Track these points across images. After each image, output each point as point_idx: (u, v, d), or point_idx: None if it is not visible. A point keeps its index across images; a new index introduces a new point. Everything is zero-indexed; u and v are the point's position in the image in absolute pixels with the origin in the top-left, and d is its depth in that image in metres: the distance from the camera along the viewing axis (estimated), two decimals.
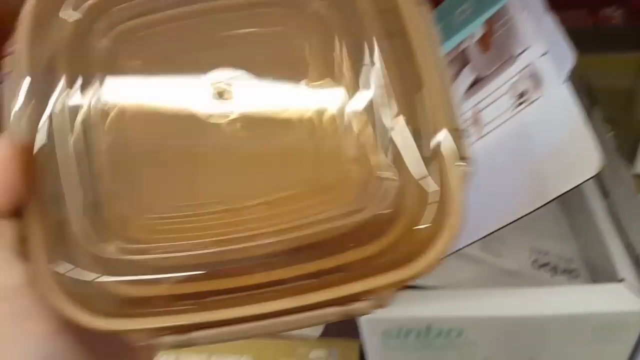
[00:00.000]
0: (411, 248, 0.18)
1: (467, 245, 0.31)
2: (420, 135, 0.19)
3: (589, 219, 0.42)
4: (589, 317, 0.34)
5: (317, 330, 0.46)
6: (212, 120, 0.20)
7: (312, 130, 0.20)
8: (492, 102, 0.37)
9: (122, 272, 0.19)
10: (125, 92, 0.21)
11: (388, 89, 0.20)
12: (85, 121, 0.20)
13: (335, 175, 0.20)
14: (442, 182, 0.18)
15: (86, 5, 0.21)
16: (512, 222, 0.30)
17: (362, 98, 0.20)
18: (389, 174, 0.19)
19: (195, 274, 0.19)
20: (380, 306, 0.18)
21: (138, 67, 0.21)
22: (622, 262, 0.37)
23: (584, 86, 0.43)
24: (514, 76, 0.37)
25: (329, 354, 0.44)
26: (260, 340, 0.45)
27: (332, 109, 0.20)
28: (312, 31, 0.21)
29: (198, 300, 0.18)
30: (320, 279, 0.18)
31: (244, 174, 0.20)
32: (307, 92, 0.21)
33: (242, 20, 0.22)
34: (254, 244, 0.19)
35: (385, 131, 0.19)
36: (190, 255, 0.19)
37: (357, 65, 0.20)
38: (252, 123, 0.21)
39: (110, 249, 0.19)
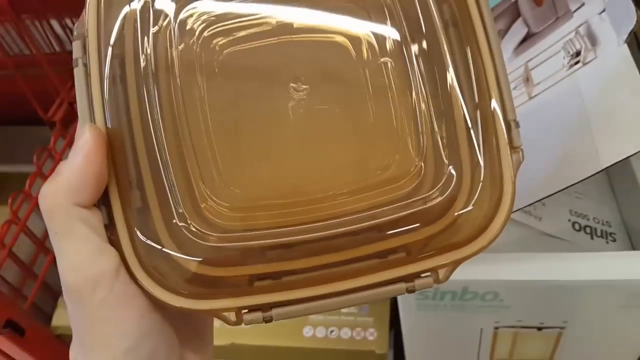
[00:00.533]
0: (468, 229, 0.20)
1: (515, 211, 0.31)
2: (478, 124, 0.20)
3: (631, 182, 0.41)
4: (626, 284, 0.34)
5: None
6: (289, 110, 0.20)
7: (383, 124, 0.21)
8: (544, 61, 0.35)
9: (203, 254, 0.19)
10: (202, 79, 0.21)
11: (450, 77, 0.20)
12: (160, 108, 0.20)
13: (402, 165, 0.20)
14: (497, 169, 0.20)
15: None
16: (563, 189, 0.29)
17: (427, 87, 0.21)
18: (450, 164, 0.20)
19: (272, 256, 0.20)
20: (440, 281, 0.20)
21: (217, 53, 0.21)
22: None
23: (636, 44, 0.41)
24: (568, 34, 0.35)
25: (359, 309, 0.45)
26: None
27: (398, 101, 0.21)
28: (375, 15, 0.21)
29: (275, 279, 0.20)
30: (386, 259, 0.20)
31: (315, 161, 0.21)
32: (376, 80, 0.21)
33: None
34: (325, 232, 0.20)
35: (448, 121, 0.20)
36: (263, 240, 0.20)
37: (421, 51, 0.21)
38: (324, 114, 0.21)
39: (191, 232, 0.20)
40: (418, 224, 0.20)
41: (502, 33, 0.39)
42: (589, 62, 0.32)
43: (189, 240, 0.19)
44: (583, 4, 0.35)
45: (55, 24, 0.57)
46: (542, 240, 0.39)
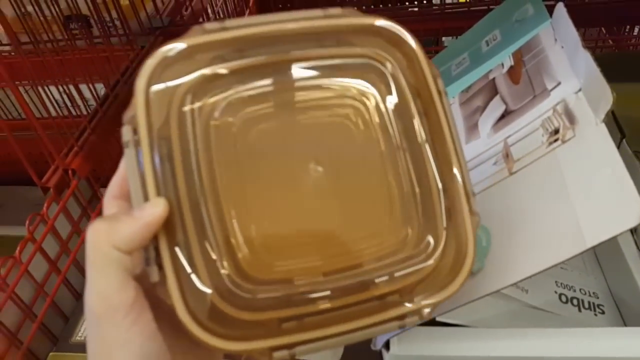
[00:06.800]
0: (442, 277, 0.25)
1: (501, 289, 0.31)
2: (446, 194, 0.26)
3: (617, 254, 0.41)
4: None
5: (337, 355, 0.46)
6: (306, 184, 0.25)
7: (378, 196, 0.26)
8: (523, 137, 0.36)
9: (242, 302, 0.24)
10: (232, 152, 0.25)
11: (426, 156, 0.26)
12: (202, 180, 0.24)
13: (392, 230, 0.26)
14: (462, 230, 0.26)
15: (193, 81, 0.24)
16: (548, 268, 0.29)
17: (410, 165, 0.26)
18: (428, 229, 0.26)
19: (295, 301, 0.24)
20: (424, 318, 0.25)
21: (247, 132, 0.25)
22: None
23: (611, 117, 0.42)
24: (546, 112, 0.36)
25: None
26: None
27: (396, 177, 0.26)
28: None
29: (298, 320, 0.24)
30: (384, 300, 0.25)
31: (332, 217, 0.25)
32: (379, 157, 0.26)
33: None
34: (338, 283, 0.25)
35: (425, 194, 0.26)
36: (288, 292, 0.24)
37: (409, 136, 0.26)
38: (338, 181, 0.26)
39: (233, 284, 0.24)
40: (406, 274, 0.25)
41: (481, 110, 0.41)
42: (568, 140, 0.33)
43: (231, 292, 0.24)
44: (559, 83, 0.36)
45: (53, 89, 0.59)
46: (529, 313, 0.39)
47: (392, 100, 0.26)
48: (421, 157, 0.26)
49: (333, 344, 0.24)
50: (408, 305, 0.25)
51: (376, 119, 0.26)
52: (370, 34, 0.26)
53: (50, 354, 0.49)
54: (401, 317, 0.25)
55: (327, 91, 0.26)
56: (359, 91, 0.26)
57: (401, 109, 0.26)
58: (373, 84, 0.26)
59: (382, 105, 0.26)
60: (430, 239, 0.25)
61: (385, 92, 0.26)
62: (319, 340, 0.24)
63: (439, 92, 0.26)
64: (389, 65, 0.26)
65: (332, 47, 0.26)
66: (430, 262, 0.25)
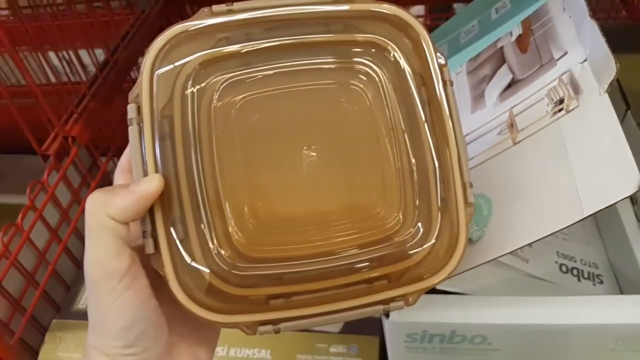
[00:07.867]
0: (431, 266, 0.26)
1: (500, 257, 0.31)
2: (443, 184, 0.26)
3: (617, 225, 0.41)
4: (614, 328, 0.34)
5: (338, 326, 0.46)
6: (302, 165, 0.26)
7: (375, 180, 0.26)
8: (528, 107, 0.36)
9: (232, 278, 0.24)
10: (231, 133, 0.26)
11: (428, 146, 0.26)
12: (202, 158, 0.25)
13: (387, 214, 0.26)
14: (455, 220, 0.26)
15: (195, 64, 0.25)
16: (546, 236, 0.30)
17: (410, 152, 0.26)
18: (420, 216, 0.26)
19: (285, 280, 0.25)
20: (409, 304, 0.26)
21: (243, 115, 0.26)
22: None
23: (617, 89, 0.41)
24: (551, 82, 0.35)
25: (348, 349, 0.45)
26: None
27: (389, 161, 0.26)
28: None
29: (286, 299, 0.25)
30: (372, 284, 0.26)
31: (328, 199, 0.26)
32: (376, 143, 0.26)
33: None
34: (328, 265, 0.25)
35: (422, 182, 0.26)
36: (280, 270, 0.25)
37: (411, 123, 0.26)
38: (331, 166, 0.26)
39: (223, 261, 0.24)
40: (396, 260, 0.26)
41: (488, 78, 0.40)
42: (572, 110, 0.33)
43: (222, 267, 0.24)
44: (566, 53, 0.36)
45: (52, 55, 0.58)
46: (529, 283, 0.39)
47: (395, 87, 0.26)
48: (420, 143, 0.26)
49: (317, 323, 0.25)
50: (395, 291, 0.25)
51: (377, 105, 0.26)
52: (377, 19, 0.26)
53: (54, 321, 0.50)
54: (386, 302, 0.26)
55: (330, 75, 0.26)
56: (362, 76, 0.26)
57: (404, 96, 0.26)
58: (376, 70, 0.26)
59: (384, 92, 0.26)
60: (423, 228, 0.26)
61: (388, 78, 0.26)
62: (303, 318, 0.25)
63: (444, 81, 0.26)
64: (393, 52, 0.26)
65: (338, 33, 0.26)
66: (421, 250, 0.26)
